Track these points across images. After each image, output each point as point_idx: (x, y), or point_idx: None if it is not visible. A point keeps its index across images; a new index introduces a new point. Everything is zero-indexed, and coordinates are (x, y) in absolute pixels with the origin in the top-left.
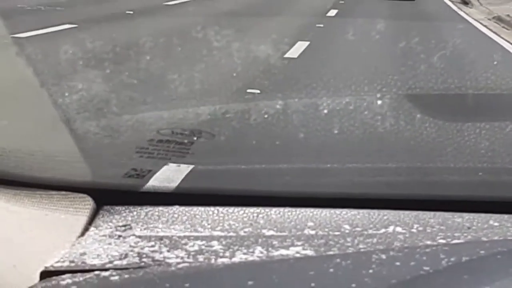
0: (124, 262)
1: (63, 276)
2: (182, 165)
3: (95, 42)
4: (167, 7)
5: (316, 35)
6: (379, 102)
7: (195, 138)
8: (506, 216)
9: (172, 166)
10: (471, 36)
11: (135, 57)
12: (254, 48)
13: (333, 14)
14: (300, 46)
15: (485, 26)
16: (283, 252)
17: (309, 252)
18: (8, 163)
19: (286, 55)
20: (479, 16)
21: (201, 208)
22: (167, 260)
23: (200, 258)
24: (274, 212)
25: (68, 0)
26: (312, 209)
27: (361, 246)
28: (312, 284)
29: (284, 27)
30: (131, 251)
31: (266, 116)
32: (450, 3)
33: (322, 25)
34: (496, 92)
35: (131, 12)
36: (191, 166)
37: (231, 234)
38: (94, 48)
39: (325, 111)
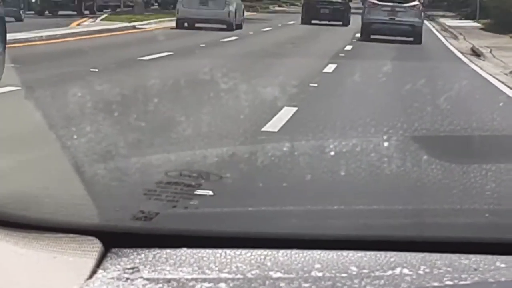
0: None
1: None
2: (190, 207)
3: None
4: (141, 62)
5: (306, 98)
6: (386, 144)
7: (202, 180)
8: None
9: (180, 208)
10: (490, 100)
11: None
12: (225, 121)
13: (331, 70)
14: (285, 114)
15: (502, 82)
16: None
17: None
18: (16, 206)
19: (265, 128)
20: (494, 70)
21: (209, 251)
22: None
23: None
24: (281, 254)
25: (32, 56)
26: (319, 251)
27: (368, 287)
28: None
29: (271, 86)
30: None
31: (273, 158)
32: (460, 55)
33: (316, 85)
34: (502, 134)
35: (96, 70)
36: (199, 208)
37: (239, 276)
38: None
39: (332, 153)
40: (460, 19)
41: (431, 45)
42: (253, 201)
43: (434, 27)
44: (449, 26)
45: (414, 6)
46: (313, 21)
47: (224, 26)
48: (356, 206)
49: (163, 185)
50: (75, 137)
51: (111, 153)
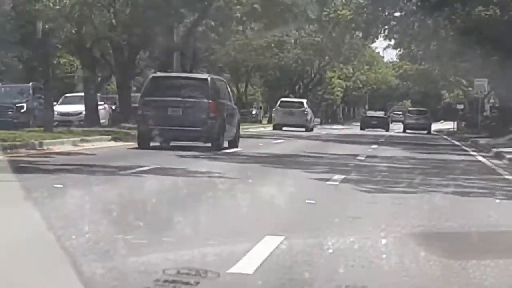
0: None
1: None
2: None
3: None
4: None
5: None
6: (383, 241)
7: (201, 278)
8: None
9: None
10: None
11: None
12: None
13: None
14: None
15: None
16: None
17: None
18: None
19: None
20: None
21: None
22: None
23: None
24: None
25: None
26: None
27: None
28: None
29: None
30: None
31: (272, 257)
32: None
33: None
34: (500, 230)
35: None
36: None
37: None
38: None
39: (330, 250)
40: None
41: None
42: None
43: None
44: None
45: (426, 116)
46: (366, 129)
47: (303, 129)
48: None
49: (160, 283)
50: (73, 237)
51: (109, 253)
